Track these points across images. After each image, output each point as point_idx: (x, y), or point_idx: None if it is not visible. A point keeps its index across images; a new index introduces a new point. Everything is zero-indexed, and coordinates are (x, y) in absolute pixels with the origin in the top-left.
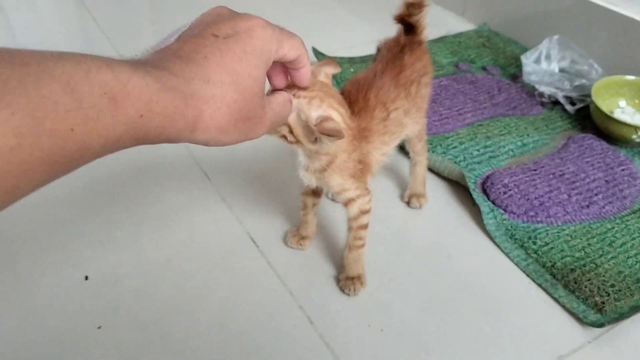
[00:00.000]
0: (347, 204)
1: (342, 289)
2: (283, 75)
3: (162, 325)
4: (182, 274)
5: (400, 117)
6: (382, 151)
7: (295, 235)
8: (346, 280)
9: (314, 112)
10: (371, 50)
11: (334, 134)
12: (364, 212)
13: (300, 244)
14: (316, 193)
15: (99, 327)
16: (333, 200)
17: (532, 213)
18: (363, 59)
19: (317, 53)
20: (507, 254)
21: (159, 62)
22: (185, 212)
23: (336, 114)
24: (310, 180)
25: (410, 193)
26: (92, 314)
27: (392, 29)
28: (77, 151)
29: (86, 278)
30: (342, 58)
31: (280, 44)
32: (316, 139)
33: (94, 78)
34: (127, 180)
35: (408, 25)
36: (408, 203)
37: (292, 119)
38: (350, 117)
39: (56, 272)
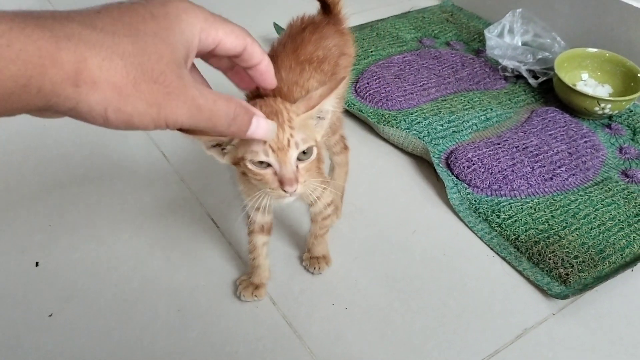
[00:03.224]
0: (313, 203)
1: (306, 268)
2: (244, 74)
3: (118, 312)
4: (139, 258)
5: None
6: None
7: (248, 286)
8: (311, 259)
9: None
10: None
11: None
12: (327, 204)
13: (256, 296)
14: (266, 230)
15: (50, 315)
16: None
17: (495, 187)
18: None
19: (278, 29)
20: (471, 228)
21: (43, 13)
22: (142, 192)
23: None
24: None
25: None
26: (43, 302)
27: (358, 3)
28: None
29: (37, 264)
30: None
31: (212, 25)
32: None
33: None
34: (80, 160)
35: (322, 1)
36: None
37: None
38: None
39: (4, 259)
